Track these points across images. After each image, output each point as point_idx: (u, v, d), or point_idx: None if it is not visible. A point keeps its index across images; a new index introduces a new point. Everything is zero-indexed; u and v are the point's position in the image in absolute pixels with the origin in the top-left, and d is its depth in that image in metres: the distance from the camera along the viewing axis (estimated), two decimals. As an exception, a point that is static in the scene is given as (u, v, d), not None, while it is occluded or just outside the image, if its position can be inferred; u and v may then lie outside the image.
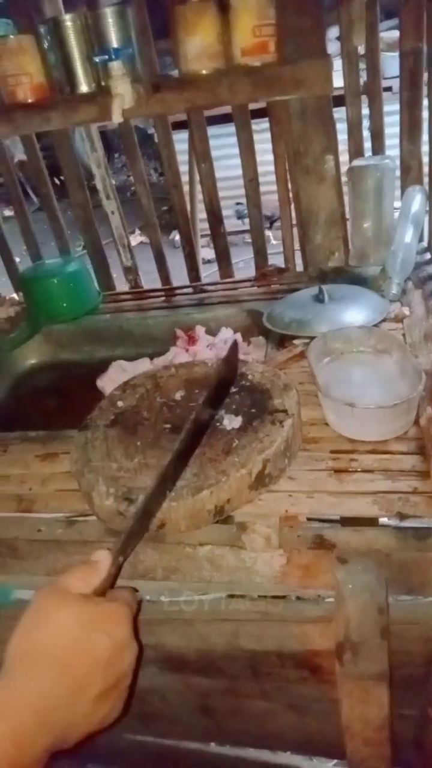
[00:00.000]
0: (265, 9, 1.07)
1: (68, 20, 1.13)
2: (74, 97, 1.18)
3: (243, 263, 2.66)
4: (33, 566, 0.72)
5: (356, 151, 1.26)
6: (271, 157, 1.32)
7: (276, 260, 1.44)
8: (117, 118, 1.14)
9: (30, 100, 1.20)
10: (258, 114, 1.29)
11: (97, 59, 1.13)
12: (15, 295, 1.57)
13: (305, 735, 0.87)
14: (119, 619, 0.47)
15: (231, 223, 1.52)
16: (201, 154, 1.34)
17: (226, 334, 1.17)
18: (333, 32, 1.63)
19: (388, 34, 1.98)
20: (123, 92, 1.10)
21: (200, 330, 1.17)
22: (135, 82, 1.13)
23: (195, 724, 0.91)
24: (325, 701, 0.78)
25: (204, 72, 1.12)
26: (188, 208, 1.56)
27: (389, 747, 0.76)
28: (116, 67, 1.10)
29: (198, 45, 1.10)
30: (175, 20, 1.11)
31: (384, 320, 1.00)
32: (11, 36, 1.19)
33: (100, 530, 0.71)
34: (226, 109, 1.26)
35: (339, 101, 1.19)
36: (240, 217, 3.59)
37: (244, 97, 1.15)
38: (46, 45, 1.21)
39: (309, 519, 0.68)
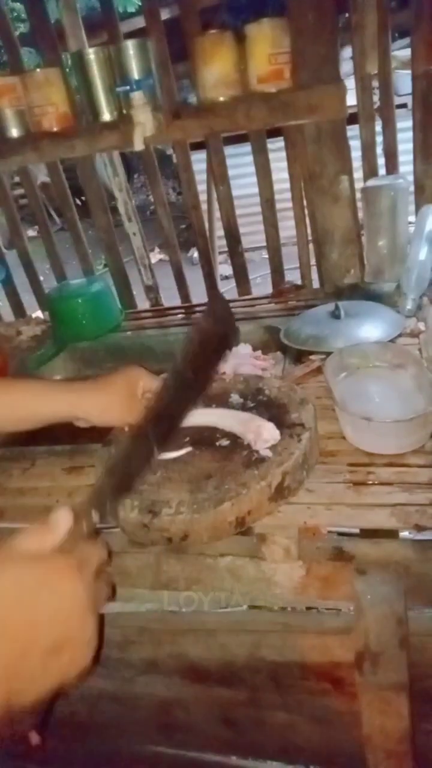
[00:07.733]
0: (281, 38, 1.11)
1: (92, 53, 1.18)
2: (97, 126, 1.23)
3: (260, 279, 2.69)
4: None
5: (370, 171, 1.29)
6: (286, 174, 1.36)
7: (292, 277, 1.47)
8: (139, 146, 1.19)
9: (55, 129, 1.26)
10: (273, 133, 1.33)
11: (119, 90, 1.18)
12: (40, 314, 1.62)
13: (327, 748, 0.87)
14: (64, 571, 0.45)
15: (248, 240, 1.55)
16: (219, 177, 1.38)
17: (244, 350, 1.20)
18: (346, 52, 1.68)
19: (402, 52, 2.01)
20: (144, 120, 1.15)
21: (219, 346, 1.19)
22: (155, 110, 1.18)
23: (216, 735, 0.91)
24: (347, 714, 0.79)
25: (222, 99, 1.17)
26: (207, 227, 1.60)
27: (411, 761, 0.76)
28: (137, 97, 1.15)
29: (216, 73, 1.15)
30: (193, 50, 1.16)
31: (400, 335, 1.02)
32: (38, 69, 1.26)
33: (124, 541, 0.73)
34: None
35: (353, 119, 1.21)
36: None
37: (260, 122, 1.19)
38: (67, 70, 1.27)
39: (328, 531, 0.69)
